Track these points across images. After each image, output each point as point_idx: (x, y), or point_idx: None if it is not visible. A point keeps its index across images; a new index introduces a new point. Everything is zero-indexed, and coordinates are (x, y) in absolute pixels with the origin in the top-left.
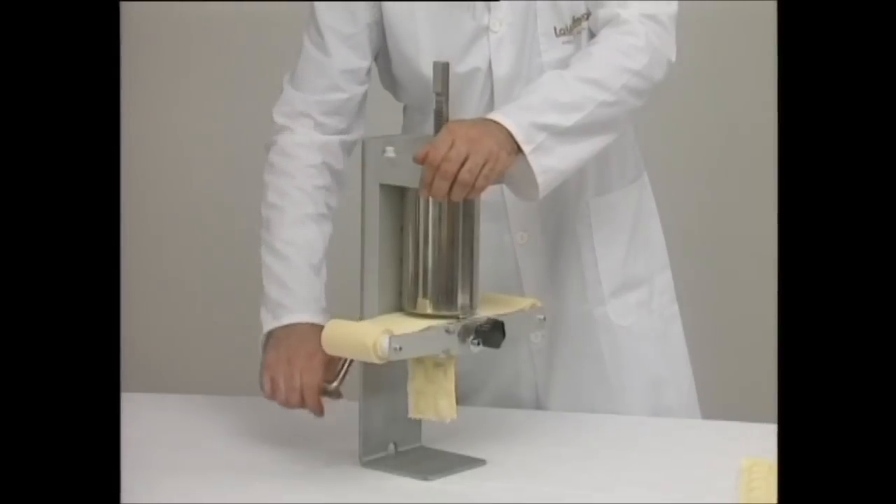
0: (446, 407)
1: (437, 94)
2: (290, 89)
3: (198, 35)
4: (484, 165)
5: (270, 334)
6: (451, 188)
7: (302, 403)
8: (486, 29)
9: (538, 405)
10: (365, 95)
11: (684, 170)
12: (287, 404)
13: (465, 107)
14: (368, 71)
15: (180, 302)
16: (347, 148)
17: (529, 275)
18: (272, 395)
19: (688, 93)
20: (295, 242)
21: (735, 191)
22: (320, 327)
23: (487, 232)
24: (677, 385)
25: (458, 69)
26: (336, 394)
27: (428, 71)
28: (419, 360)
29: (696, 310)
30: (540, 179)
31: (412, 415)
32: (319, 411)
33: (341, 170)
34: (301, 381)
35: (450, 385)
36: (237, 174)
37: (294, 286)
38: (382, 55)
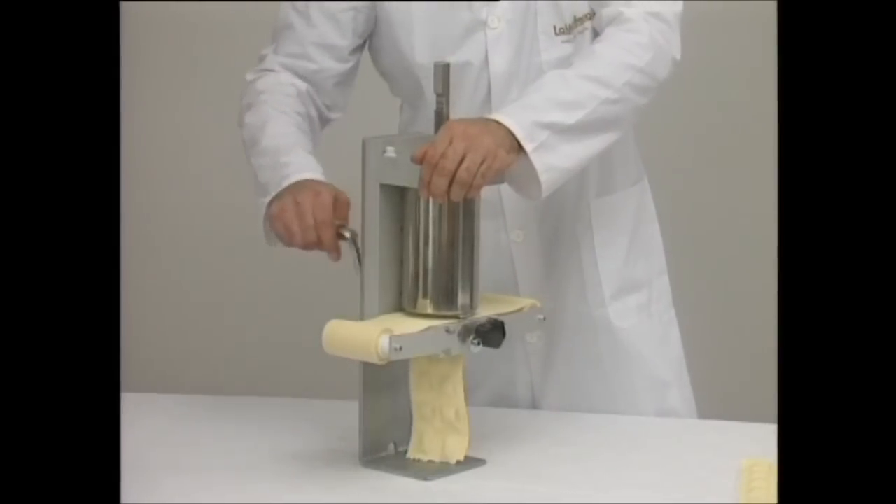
0: (455, 447)
1: (439, 95)
2: (266, 52)
3: (198, 35)
4: (482, 163)
5: (272, 201)
6: (449, 186)
7: (318, 242)
8: (483, 23)
9: (534, 405)
10: (343, 77)
11: (682, 173)
12: (305, 244)
13: (458, 101)
14: (352, 52)
15: (180, 302)
16: (319, 111)
17: (525, 274)
18: (289, 240)
19: (686, 96)
20: (284, 139)
21: (734, 194)
22: (322, 180)
23: (484, 230)
24: (680, 387)
25: (450, 61)
26: (349, 238)
27: (420, 59)
28: (425, 402)
29: (697, 308)
30: (543, 178)
31: (413, 455)
32: (335, 252)
33: (314, 117)
34: (314, 218)
35: (464, 426)
36: (238, 175)
37: (288, 160)
38: (375, 42)
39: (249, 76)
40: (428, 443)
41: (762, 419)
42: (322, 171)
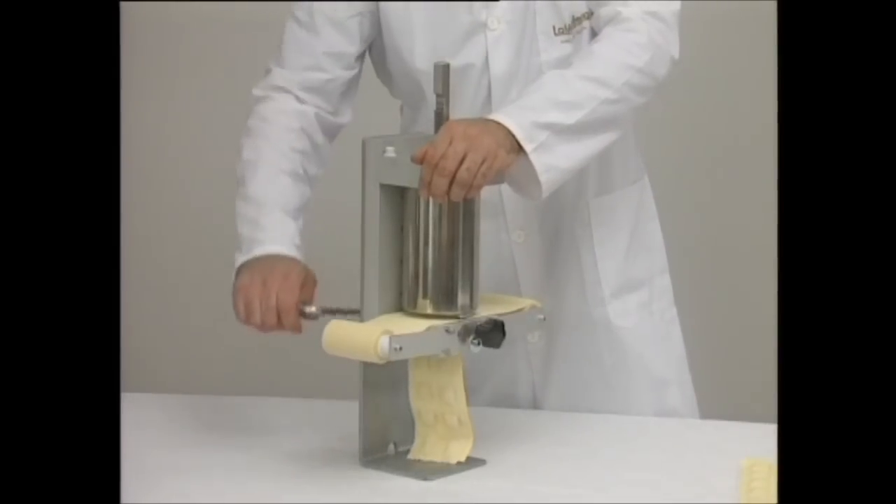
0: (458, 450)
1: (438, 96)
2: (273, 67)
3: (197, 35)
4: (482, 164)
5: (242, 266)
6: (449, 186)
7: (279, 325)
8: (483, 25)
9: (535, 405)
10: (351, 82)
11: (683, 172)
12: (263, 327)
13: (460, 103)
14: (358, 58)
15: (180, 302)
16: (329, 128)
17: (527, 274)
18: (247, 319)
19: (687, 95)
20: (268, 191)
21: (734, 193)
22: (294, 258)
23: (485, 231)
24: (681, 387)
25: (451, 64)
26: (315, 316)
27: (421, 65)
28: (427, 410)
29: (697, 310)
30: (543, 178)
31: (415, 457)
32: (297, 330)
33: (321, 143)
34: (277, 301)
35: (468, 430)
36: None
37: (266, 223)
38: (377, 47)
39: (257, 92)
40: (431, 446)
41: (762, 419)
42: (298, 239)
